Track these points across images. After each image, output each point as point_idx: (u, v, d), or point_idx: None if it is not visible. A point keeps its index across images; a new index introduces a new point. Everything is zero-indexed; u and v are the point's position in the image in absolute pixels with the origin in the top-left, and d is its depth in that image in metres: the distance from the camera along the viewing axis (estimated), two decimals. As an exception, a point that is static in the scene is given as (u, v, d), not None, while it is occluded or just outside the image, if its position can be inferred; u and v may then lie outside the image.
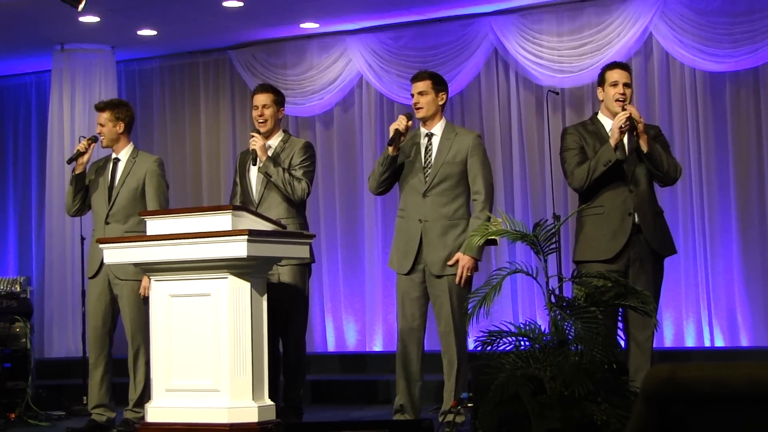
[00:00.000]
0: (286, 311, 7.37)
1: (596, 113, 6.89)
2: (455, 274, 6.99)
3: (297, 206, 7.53)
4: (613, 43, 10.40)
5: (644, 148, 6.55)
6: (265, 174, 7.46)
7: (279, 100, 7.68)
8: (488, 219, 6.96)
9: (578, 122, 7.31)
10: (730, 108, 10.28)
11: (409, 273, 7.13)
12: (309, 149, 7.65)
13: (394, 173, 7.26)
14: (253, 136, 7.52)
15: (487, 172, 7.15)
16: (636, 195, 6.62)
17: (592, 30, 10.59)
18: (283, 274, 7.39)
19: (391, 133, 7.11)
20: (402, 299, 7.17)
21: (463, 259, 6.98)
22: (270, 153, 7.54)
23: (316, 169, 7.74)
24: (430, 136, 7.21)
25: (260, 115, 7.60)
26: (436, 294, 7.07)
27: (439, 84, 7.27)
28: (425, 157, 7.16)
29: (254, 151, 7.48)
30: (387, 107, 11.53)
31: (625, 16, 10.42)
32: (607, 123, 6.74)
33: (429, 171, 7.12)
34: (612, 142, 6.57)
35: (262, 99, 7.63)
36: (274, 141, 7.62)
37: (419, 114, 7.22)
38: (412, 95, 7.26)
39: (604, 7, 10.59)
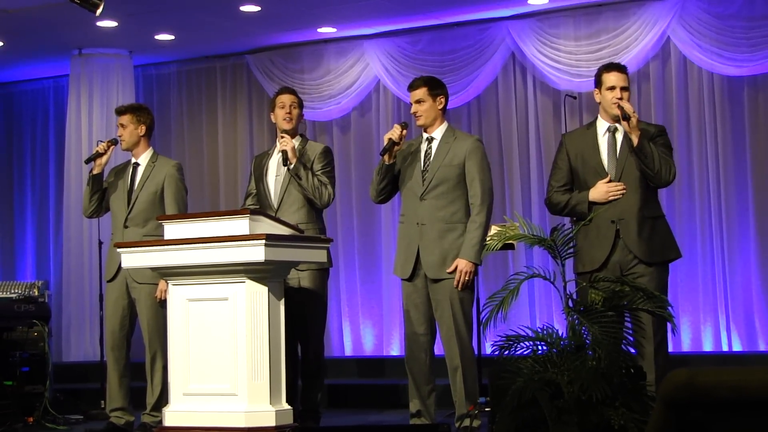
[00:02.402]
0: (306, 316, 7.36)
1: (596, 118, 6.74)
2: (454, 278, 6.97)
3: (317, 211, 7.52)
4: (630, 47, 10.38)
5: (634, 141, 6.39)
6: (295, 176, 7.42)
7: (302, 104, 7.71)
8: (485, 223, 6.96)
9: (579, 127, 7.21)
10: (748, 112, 10.26)
11: (411, 278, 7.09)
12: (329, 154, 7.63)
13: (393, 181, 7.23)
14: (283, 137, 7.47)
15: (485, 176, 7.05)
16: (621, 201, 6.46)
17: (610, 34, 10.57)
18: (303, 278, 7.37)
19: (385, 143, 7.09)
20: (406, 305, 7.13)
21: (461, 264, 6.90)
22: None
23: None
24: (430, 140, 7.15)
25: (288, 113, 7.56)
26: (437, 299, 7.01)
27: (436, 89, 7.18)
28: (424, 160, 7.11)
29: (284, 152, 7.43)
30: (404, 111, 11.51)
31: (642, 20, 10.41)
32: (602, 127, 6.64)
33: (426, 174, 7.09)
34: (590, 197, 6.52)
35: (290, 98, 7.61)
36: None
37: (419, 122, 7.17)
38: (411, 104, 7.24)
39: (621, 11, 10.57)
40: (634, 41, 10.41)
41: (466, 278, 6.91)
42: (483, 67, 11.09)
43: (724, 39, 10.08)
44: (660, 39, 10.41)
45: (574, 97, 10.30)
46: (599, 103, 6.67)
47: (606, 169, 6.54)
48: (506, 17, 11.00)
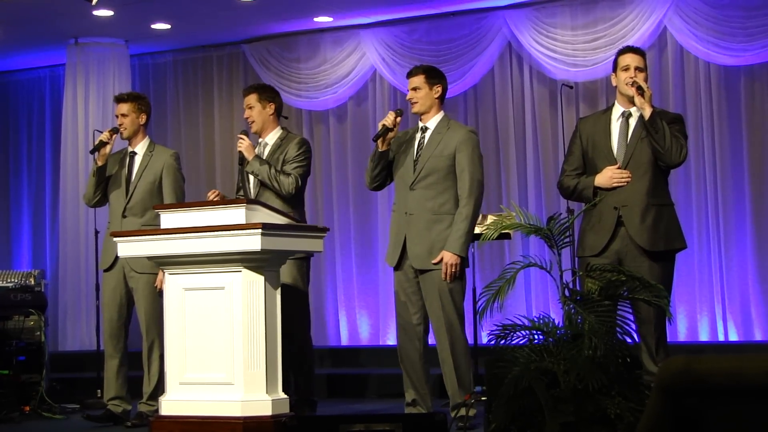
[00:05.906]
0: (285, 306, 7.24)
1: (614, 103, 6.68)
2: (440, 269, 6.95)
3: (292, 201, 7.49)
4: (627, 37, 10.36)
5: (646, 115, 6.33)
6: (251, 173, 7.49)
7: (266, 96, 7.67)
8: (471, 215, 6.91)
9: (596, 111, 7.19)
10: (745, 102, 10.27)
11: (399, 267, 7.08)
12: (303, 145, 7.62)
13: (387, 168, 7.22)
14: (240, 138, 7.56)
15: (475, 168, 7.00)
16: (627, 188, 6.40)
17: (606, 24, 10.57)
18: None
19: (379, 129, 7.09)
20: (399, 294, 7.12)
21: (446, 256, 6.88)
22: (267, 150, 7.57)
23: (310, 165, 7.66)
24: (424, 129, 7.14)
25: (246, 117, 7.68)
26: (425, 290, 6.99)
27: (434, 78, 7.16)
28: (417, 150, 7.09)
29: (240, 152, 7.52)
30: (400, 101, 11.51)
31: (639, 9, 10.40)
32: (617, 112, 6.58)
33: (417, 164, 7.06)
34: (595, 182, 6.49)
35: (245, 101, 7.68)
36: (271, 138, 7.65)
37: (414, 109, 7.17)
38: (408, 91, 7.23)
39: (618, 0, 10.57)
40: (630, 31, 10.40)
41: (453, 270, 6.90)
42: (479, 56, 11.08)
43: (721, 28, 10.08)
44: (656, 28, 10.40)
45: (571, 87, 10.29)
46: (615, 86, 6.62)
47: (615, 154, 6.51)
48: (503, 6, 11.00)
